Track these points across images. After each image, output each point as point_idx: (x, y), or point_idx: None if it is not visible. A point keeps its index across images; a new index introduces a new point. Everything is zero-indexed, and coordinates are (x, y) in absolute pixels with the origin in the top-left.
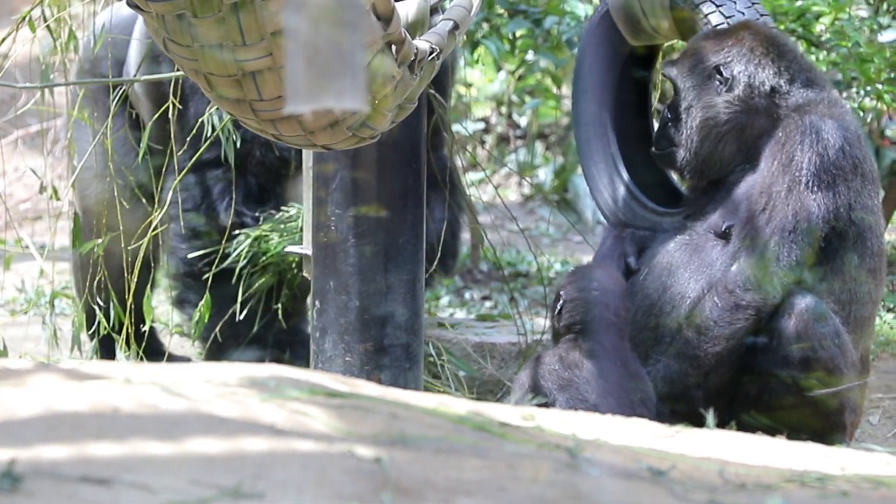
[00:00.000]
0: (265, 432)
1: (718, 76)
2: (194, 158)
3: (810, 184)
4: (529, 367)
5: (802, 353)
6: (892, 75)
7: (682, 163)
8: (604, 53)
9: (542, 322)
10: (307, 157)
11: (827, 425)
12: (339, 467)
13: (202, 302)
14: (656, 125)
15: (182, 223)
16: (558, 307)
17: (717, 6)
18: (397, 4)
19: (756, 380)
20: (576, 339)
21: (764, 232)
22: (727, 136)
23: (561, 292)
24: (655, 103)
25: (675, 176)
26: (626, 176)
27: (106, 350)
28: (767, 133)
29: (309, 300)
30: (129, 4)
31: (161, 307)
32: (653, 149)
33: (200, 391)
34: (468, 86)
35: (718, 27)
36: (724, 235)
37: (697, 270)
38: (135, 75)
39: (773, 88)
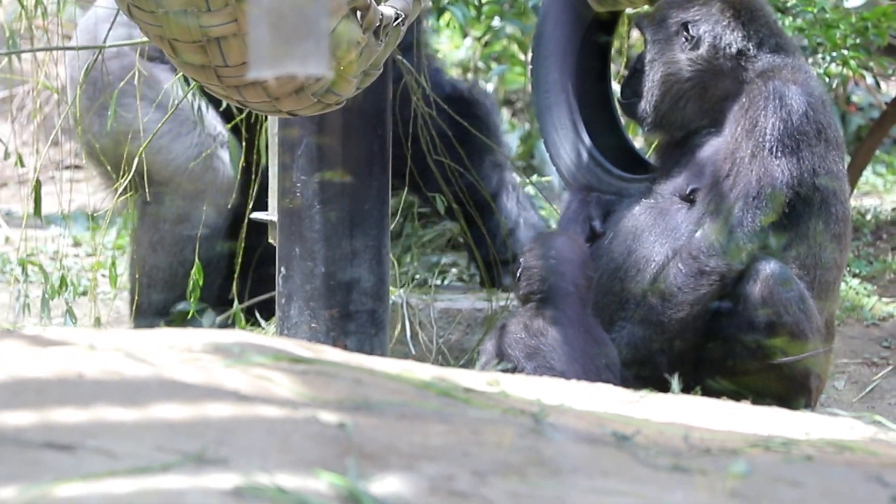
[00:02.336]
0: (229, 398)
1: (685, 33)
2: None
3: (774, 149)
4: (495, 335)
5: (767, 318)
6: (858, 41)
7: (643, 115)
8: (566, 19)
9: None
10: (272, 123)
11: (791, 390)
12: (303, 433)
13: None
14: (617, 90)
15: None
16: (518, 275)
17: None
18: None
19: (721, 345)
20: (538, 308)
21: (728, 198)
22: (688, 93)
23: (521, 260)
24: (622, 69)
25: (636, 139)
26: (588, 141)
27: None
28: (733, 97)
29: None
30: None
31: (127, 273)
32: (618, 97)
33: (164, 357)
34: (434, 52)
35: None
36: (689, 199)
37: (662, 234)
38: (104, 41)
39: (741, 51)
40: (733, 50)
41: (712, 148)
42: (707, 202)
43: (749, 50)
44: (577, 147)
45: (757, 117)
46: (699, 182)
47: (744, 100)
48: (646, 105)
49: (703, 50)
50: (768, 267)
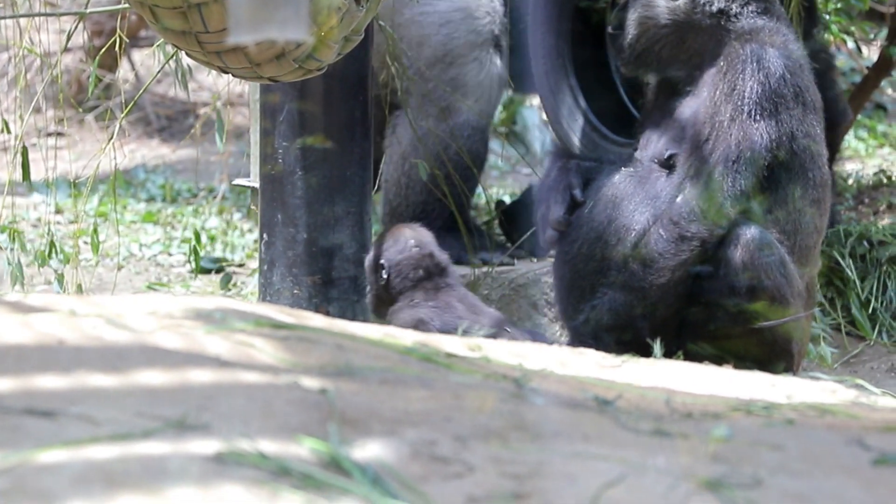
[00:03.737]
0: (210, 364)
1: None
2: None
3: (753, 112)
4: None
5: (748, 282)
6: (840, 6)
7: (621, 48)
8: None
9: (488, 254)
10: (254, 88)
11: (773, 354)
12: (284, 398)
13: None
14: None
15: None
16: (384, 275)
17: None
18: None
19: (703, 309)
20: (412, 297)
21: (708, 162)
22: (664, 39)
23: (382, 261)
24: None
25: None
26: (585, 107)
27: None
28: (711, 56)
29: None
30: None
31: (109, 241)
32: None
33: (145, 323)
34: None
35: None
36: (668, 165)
37: (643, 201)
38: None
39: (722, 11)
40: (713, 8)
41: (691, 110)
42: (687, 167)
43: (731, 10)
44: (575, 113)
45: (735, 80)
46: (678, 147)
47: (722, 63)
48: (624, 41)
49: (681, 1)
50: (749, 232)
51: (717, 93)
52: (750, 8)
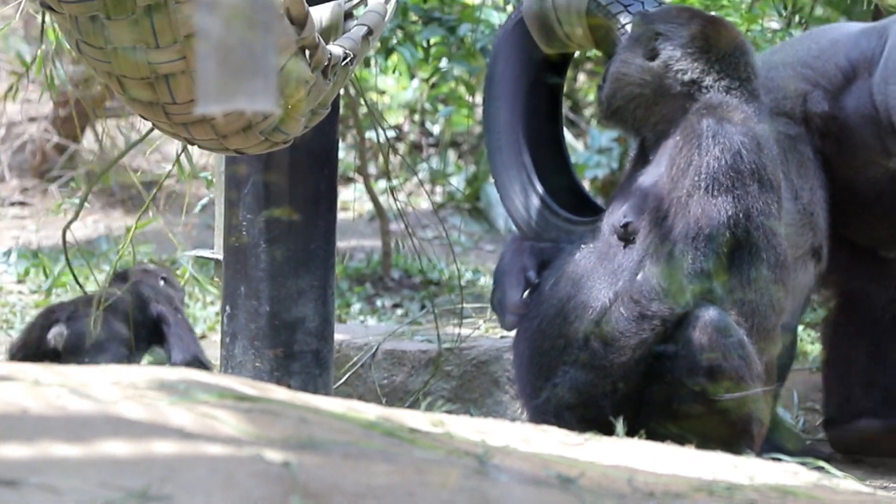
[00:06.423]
0: (174, 435)
1: (651, 42)
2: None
3: (710, 188)
4: None
5: (708, 363)
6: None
7: (601, 100)
8: (516, 59)
9: (454, 330)
10: (220, 159)
11: (734, 435)
12: (247, 471)
13: None
14: (567, 134)
15: None
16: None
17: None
18: (311, 9)
19: (664, 388)
20: None
21: (667, 239)
22: (638, 98)
23: None
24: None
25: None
26: (538, 185)
27: None
28: (675, 126)
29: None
30: (42, 4)
31: None
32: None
33: (109, 393)
34: (381, 93)
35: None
36: (625, 236)
37: (603, 277)
38: None
39: (694, 81)
40: (686, 77)
41: (651, 180)
42: (647, 243)
43: (703, 81)
44: (528, 190)
45: (691, 156)
46: (634, 216)
47: (678, 137)
48: (602, 94)
49: (656, 63)
50: (707, 314)
51: (674, 168)
52: (723, 83)
